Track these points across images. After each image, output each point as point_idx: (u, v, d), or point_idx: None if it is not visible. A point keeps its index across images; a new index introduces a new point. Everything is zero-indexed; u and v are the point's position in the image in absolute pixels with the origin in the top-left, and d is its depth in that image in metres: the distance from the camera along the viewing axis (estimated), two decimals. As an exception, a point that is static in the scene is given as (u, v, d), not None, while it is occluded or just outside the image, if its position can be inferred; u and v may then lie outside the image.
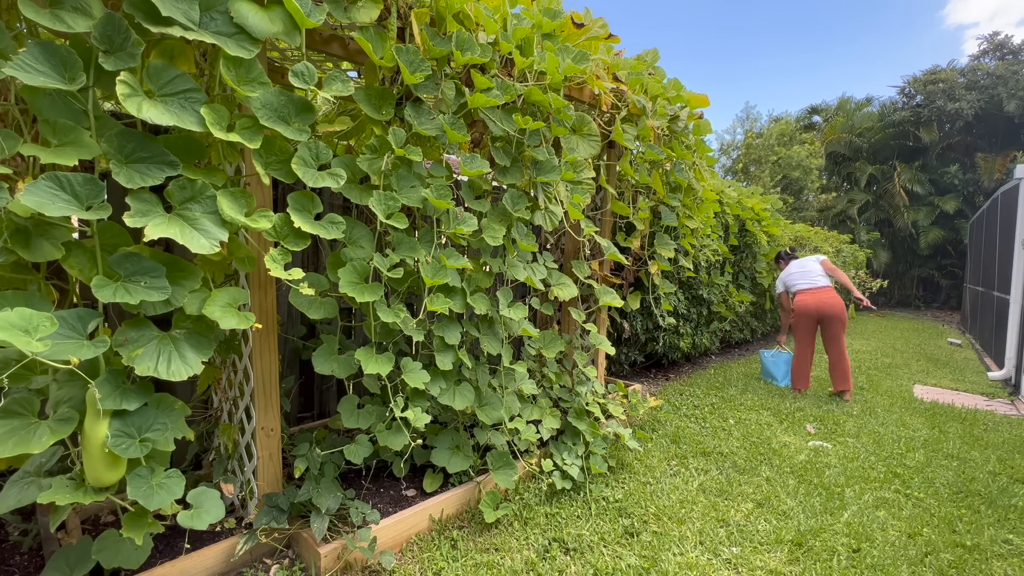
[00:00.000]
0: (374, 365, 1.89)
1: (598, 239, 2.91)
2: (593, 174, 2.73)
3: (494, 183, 2.60)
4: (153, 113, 1.31)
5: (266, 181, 1.58)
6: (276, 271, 1.55)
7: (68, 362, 1.26)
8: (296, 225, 1.62)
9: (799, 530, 2.31)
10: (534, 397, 2.79)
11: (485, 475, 2.43)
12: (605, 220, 3.30)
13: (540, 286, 2.60)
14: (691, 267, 4.66)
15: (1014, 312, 5.37)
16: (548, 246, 3.77)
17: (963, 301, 11.07)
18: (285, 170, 1.63)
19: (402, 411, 1.96)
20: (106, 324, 1.60)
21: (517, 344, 3.81)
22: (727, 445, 3.31)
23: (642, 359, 5.11)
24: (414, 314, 2.54)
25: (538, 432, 2.55)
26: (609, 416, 3.13)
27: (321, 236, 1.69)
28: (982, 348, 7.53)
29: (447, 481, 2.42)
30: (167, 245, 1.83)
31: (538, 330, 2.67)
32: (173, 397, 1.52)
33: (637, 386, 3.73)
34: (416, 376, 2.03)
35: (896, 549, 2.21)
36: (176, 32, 1.34)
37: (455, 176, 2.26)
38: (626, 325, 4.15)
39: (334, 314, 1.88)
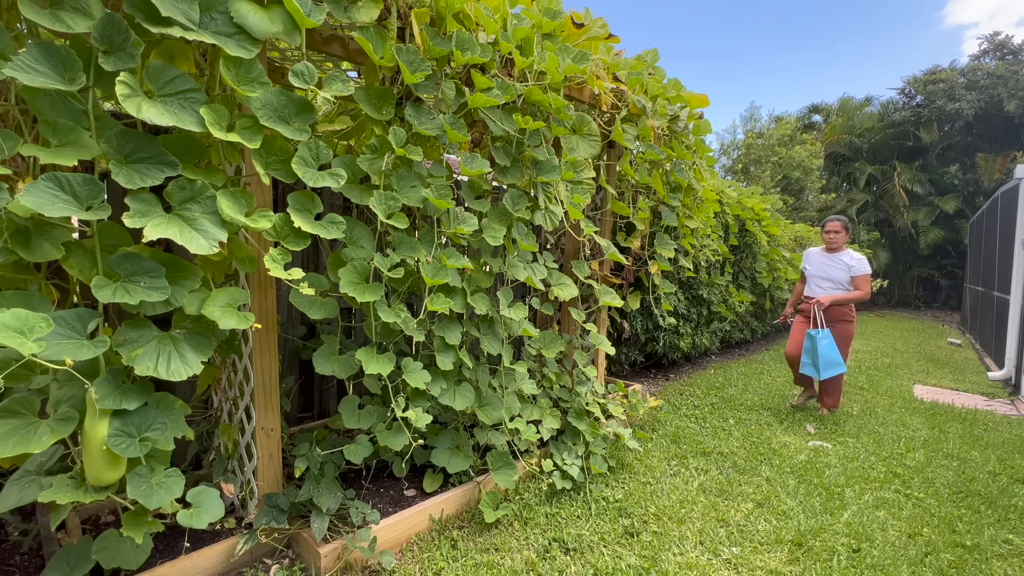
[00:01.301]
0: (375, 365, 1.89)
1: (598, 239, 2.91)
2: (593, 174, 2.73)
3: (494, 183, 2.60)
4: (153, 113, 1.31)
5: (266, 181, 1.58)
6: (276, 271, 1.55)
7: (64, 363, 1.26)
8: (296, 225, 1.62)
9: (799, 530, 2.31)
10: (534, 397, 2.79)
11: (485, 475, 2.43)
12: (605, 220, 3.30)
13: (540, 286, 2.60)
14: (691, 267, 4.65)
15: (1014, 312, 5.37)
16: (548, 246, 3.77)
17: (963, 301, 11.07)
18: (285, 170, 1.63)
19: (403, 411, 1.96)
20: (107, 324, 1.60)
21: (517, 344, 3.81)
22: (727, 445, 3.31)
23: (642, 359, 5.11)
24: (414, 314, 2.53)
25: (538, 432, 2.55)
26: (609, 416, 3.12)
27: (321, 236, 1.69)
28: (982, 348, 7.53)
29: (447, 481, 2.42)
30: (167, 245, 1.82)
31: (538, 330, 2.67)
32: (173, 396, 1.52)
33: (637, 386, 3.73)
34: (417, 376, 2.03)
35: (896, 549, 2.21)
36: (176, 32, 1.34)
37: (455, 176, 2.26)
38: (626, 325, 4.15)
39: (334, 314, 1.88)
